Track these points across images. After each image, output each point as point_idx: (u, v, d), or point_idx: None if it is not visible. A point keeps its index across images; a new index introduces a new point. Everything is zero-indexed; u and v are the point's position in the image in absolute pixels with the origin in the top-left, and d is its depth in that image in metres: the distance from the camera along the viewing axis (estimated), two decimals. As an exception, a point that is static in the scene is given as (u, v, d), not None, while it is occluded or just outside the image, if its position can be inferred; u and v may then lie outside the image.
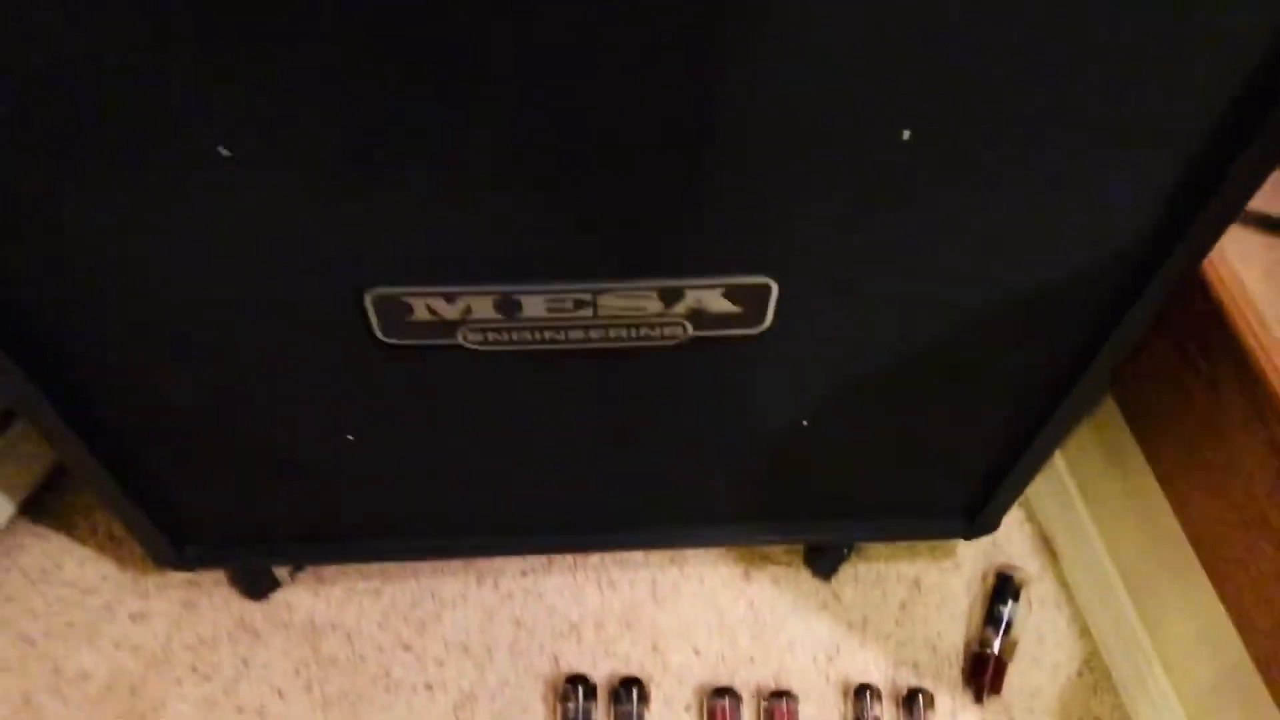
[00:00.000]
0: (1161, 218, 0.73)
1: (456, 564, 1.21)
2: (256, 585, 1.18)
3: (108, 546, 1.20)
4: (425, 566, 1.20)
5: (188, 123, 0.61)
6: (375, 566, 1.20)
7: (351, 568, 1.20)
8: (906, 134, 0.65)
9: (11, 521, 1.19)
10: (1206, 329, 0.88)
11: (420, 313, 0.76)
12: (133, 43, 0.56)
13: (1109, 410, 1.10)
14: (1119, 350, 0.83)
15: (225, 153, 0.62)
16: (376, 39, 0.57)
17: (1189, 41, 0.61)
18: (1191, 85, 0.63)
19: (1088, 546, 1.17)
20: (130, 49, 0.57)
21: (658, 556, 1.22)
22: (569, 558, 1.22)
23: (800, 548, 1.24)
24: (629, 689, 1.10)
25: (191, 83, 0.58)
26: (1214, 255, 0.87)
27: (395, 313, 0.76)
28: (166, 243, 0.70)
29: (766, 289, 0.76)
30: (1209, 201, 0.71)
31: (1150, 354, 0.98)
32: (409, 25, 0.57)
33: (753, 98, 0.62)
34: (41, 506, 1.21)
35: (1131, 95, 0.64)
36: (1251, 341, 0.83)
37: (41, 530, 1.20)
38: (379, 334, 0.78)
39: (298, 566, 1.19)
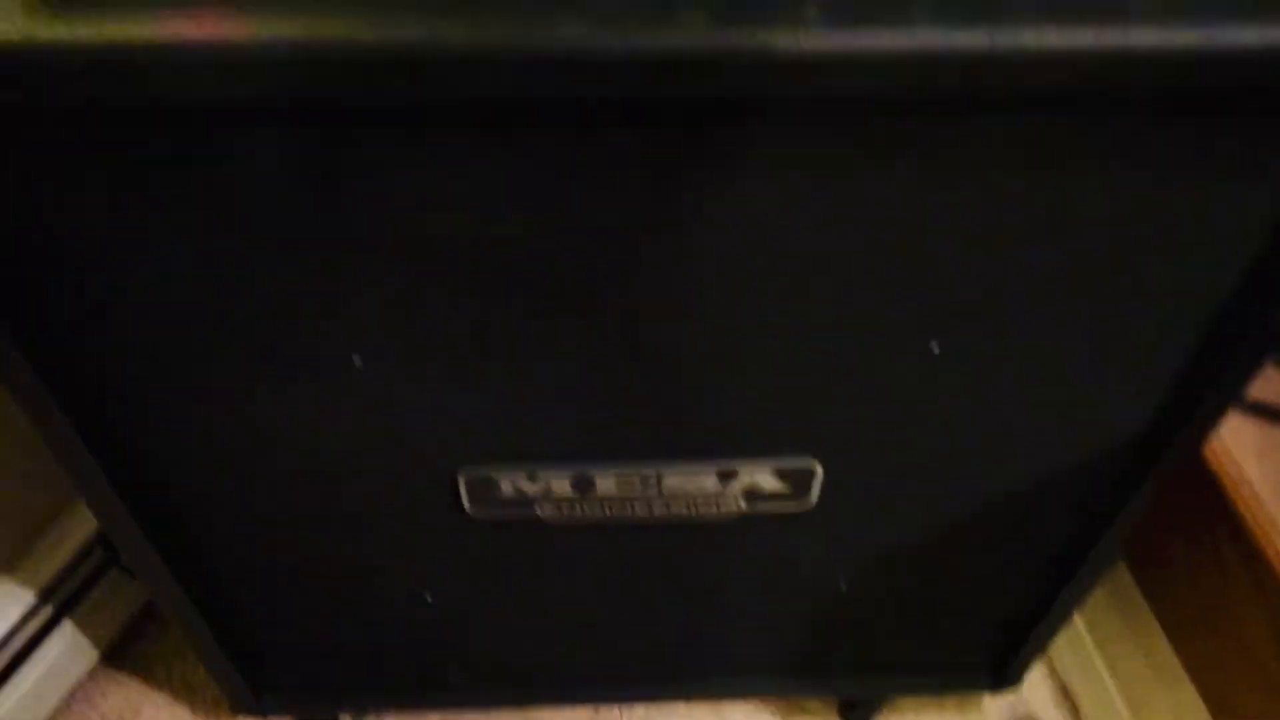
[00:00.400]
0: (1163, 408, 0.83)
1: (510, 714, 1.27)
2: (322, 731, 1.25)
3: (183, 694, 1.27)
4: (481, 715, 1.27)
5: (331, 338, 0.72)
6: (436, 715, 1.27)
7: (413, 714, 1.27)
8: (935, 347, 0.75)
9: (94, 668, 1.27)
10: (1209, 507, 0.97)
11: (506, 490, 0.86)
12: (292, 280, 0.68)
13: (1123, 575, 1.18)
14: (1127, 525, 0.92)
15: (358, 362, 0.73)
16: (501, 274, 0.69)
17: (1191, 246, 0.70)
18: (1192, 285, 0.73)
19: (1106, 699, 1.24)
20: (290, 286, 0.68)
21: (700, 709, 1.29)
22: (615, 708, 1.29)
23: (835, 699, 1.31)
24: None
25: (340, 310, 0.70)
26: (1213, 440, 0.97)
27: (483, 490, 0.86)
28: (286, 426, 0.80)
29: (812, 471, 0.86)
30: (1208, 392, 0.81)
31: (1159, 527, 1.07)
32: (525, 267, 0.68)
33: (803, 319, 0.73)
34: (123, 654, 1.29)
35: (1141, 297, 0.73)
36: (1250, 520, 0.92)
37: (122, 677, 1.28)
38: (467, 508, 0.87)
39: (362, 712, 1.27)
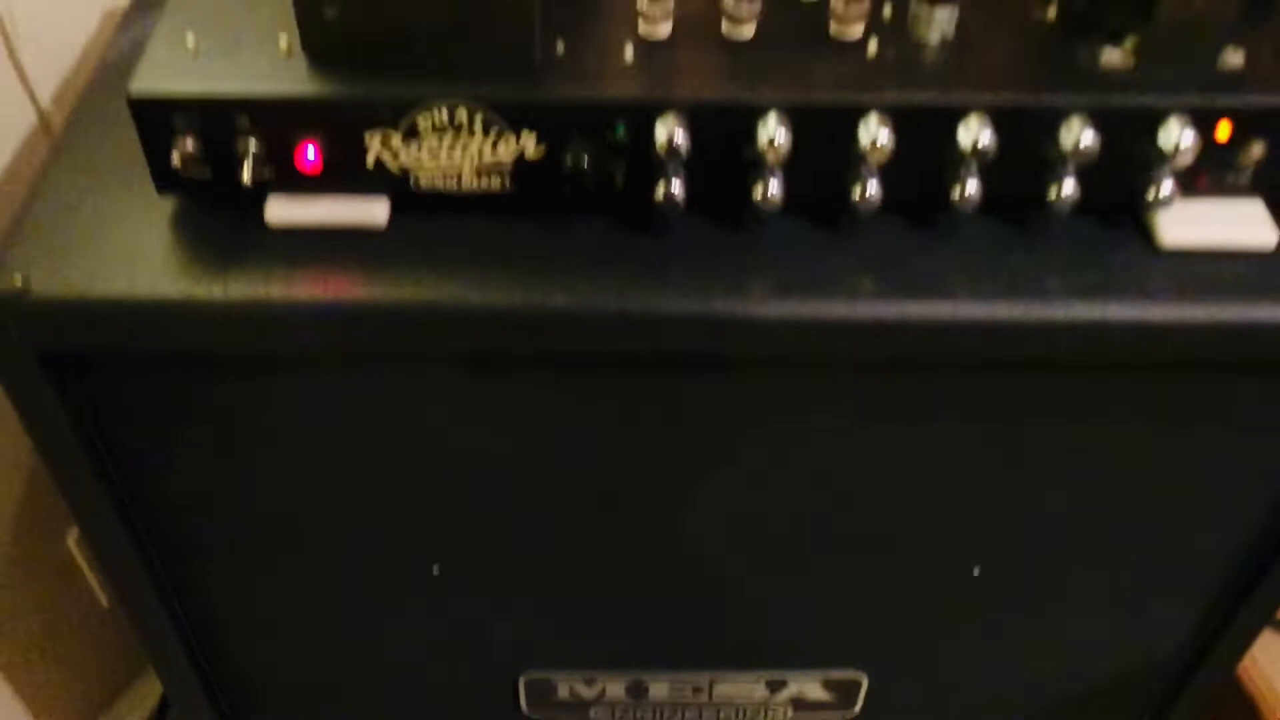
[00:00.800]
0: (1197, 627, 0.87)
1: None
2: None
3: None
4: None
5: (419, 548, 0.78)
6: None
7: None
8: (976, 570, 0.80)
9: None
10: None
11: (563, 693, 0.90)
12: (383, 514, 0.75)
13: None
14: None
15: (436, 571, 0.79)
16: (568, 499, 0.75)
17: (1217, 483, 0.75)
18: (1221, 517, 0.77)
19: None
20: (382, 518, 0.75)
21: None
22: None
23: None
24: None
25: (430, 527, 0.76)
26: (1247, 659, 0.99)
27: (541, 692, 0.90)
28: (366, 626, 0.85)
29: (858, 683, 0.89)
30: (1241, 612, 0.84)
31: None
32: (591, 495, 0.74)
33: (851, 544, 0.78)
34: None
35: (1170, 527, 0.78)
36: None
37: None
38: (525, 709, 0.91)
39: None
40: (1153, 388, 0.68)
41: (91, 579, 1.10)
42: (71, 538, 1.06)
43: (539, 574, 0.81)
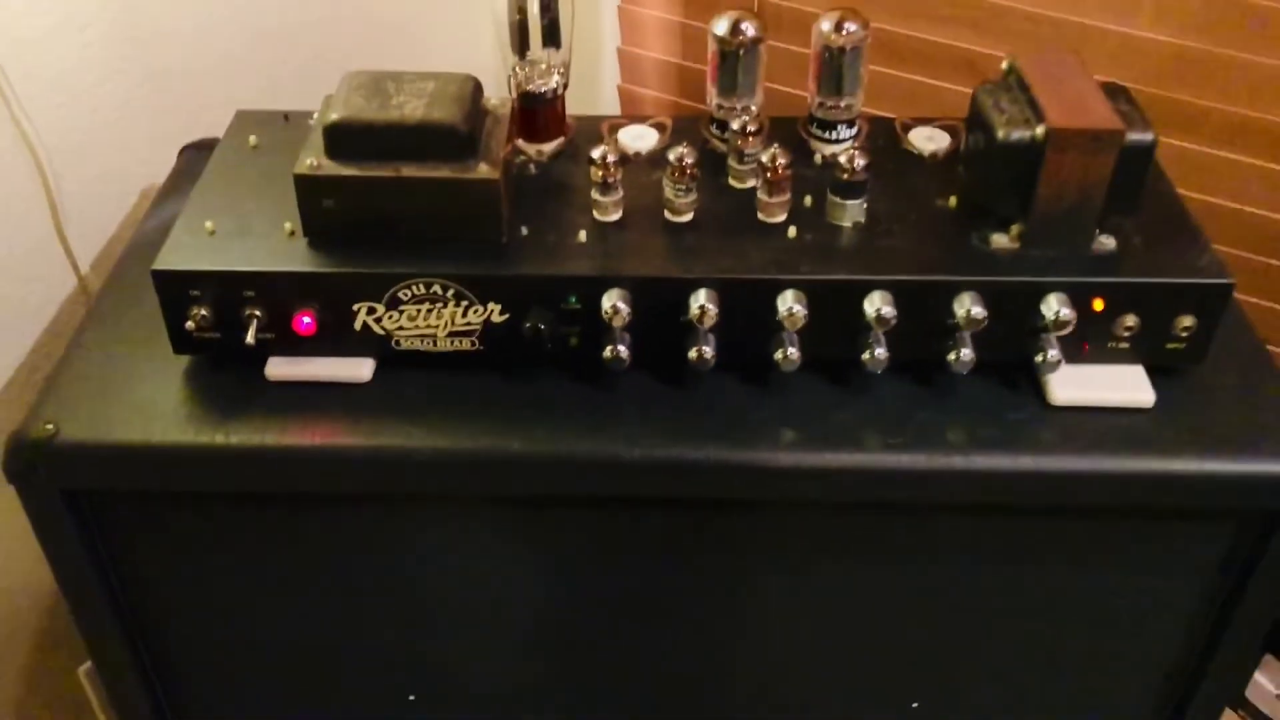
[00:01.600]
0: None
1: None
2: None
3: None
4: None
5: (395, 678, 0.85)
6: None
7: None
8: (914, 704, 0.86)
9: None
10: None
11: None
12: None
13: None
14: None
15: (412, 698, 0.86)
16: (544, 633, 0.82)
17: (1140, 620, 0.81)
18: (1150, 649, 0.83)
19: None
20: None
21: None
22: None
23: None
24: None
25: (406, 657, 0.83)
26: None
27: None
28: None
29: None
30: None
31: None
32: (560, 627, 0.82)
33: (795, 678, 0.84)
34: None
35: (1097, 659, 0.84)
36: None
37: None
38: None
39: None
40: (1053, 531, 0.75)
41: (99, 713, 1.16)
42: (83, 670, 1.12)
43: (509, 705, 0.87)
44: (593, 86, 1.26)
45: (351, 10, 1.13)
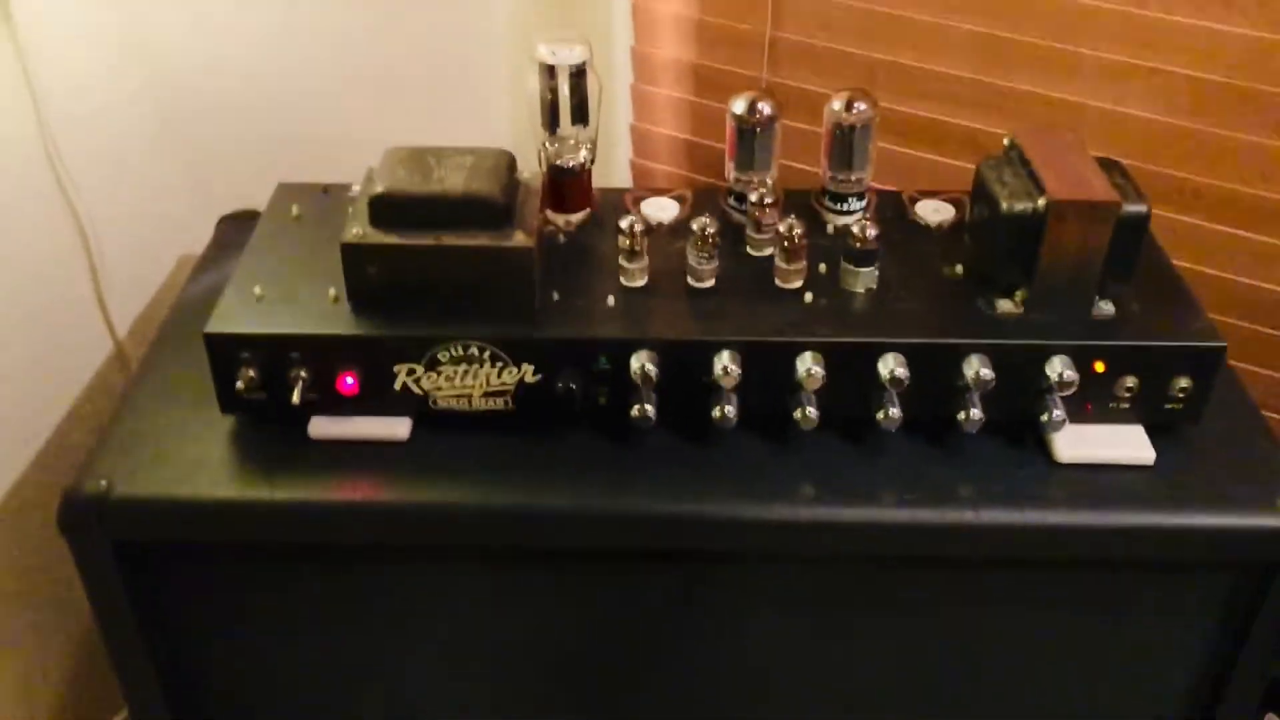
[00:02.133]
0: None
1: None
2: None
3: None
4: None
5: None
6: None
7: None
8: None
9: None
10: None
11: None
12: None
13: None
14: None
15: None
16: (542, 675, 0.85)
17: (1141, 656, 0.83)
18: (1149, 691, 0.85)
19: None
20: None
21: None
22: None
23: None
24: None
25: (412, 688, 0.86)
26: None
27: None
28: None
29: None
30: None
31: None
32: (562, 671, 0.84)
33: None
34: None
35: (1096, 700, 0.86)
36: None
37: None
38: None
39: None
40: (1059, 583, 0.78)
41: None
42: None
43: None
44: (608, 160, 1.32)
45: (373, 88, 1.19)
